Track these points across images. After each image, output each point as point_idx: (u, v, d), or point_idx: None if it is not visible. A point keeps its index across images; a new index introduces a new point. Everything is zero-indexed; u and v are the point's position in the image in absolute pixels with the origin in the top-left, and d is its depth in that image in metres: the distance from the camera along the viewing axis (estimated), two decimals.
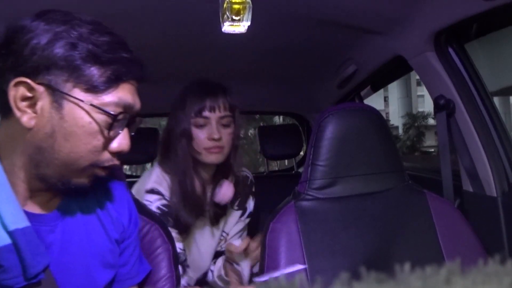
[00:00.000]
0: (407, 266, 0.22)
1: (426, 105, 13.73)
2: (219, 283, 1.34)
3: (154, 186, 1.25)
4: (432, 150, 11.81)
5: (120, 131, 0.70)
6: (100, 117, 0.66)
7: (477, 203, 1.24)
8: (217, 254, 1.40)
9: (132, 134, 0.74)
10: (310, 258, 1.02)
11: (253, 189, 1.46)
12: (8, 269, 0.63)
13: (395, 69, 1.62)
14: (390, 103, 18.37)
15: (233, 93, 1.29)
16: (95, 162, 0.69)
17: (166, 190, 1.26)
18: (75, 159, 0.67)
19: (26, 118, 0.64)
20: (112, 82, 0.67)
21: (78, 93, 0.65)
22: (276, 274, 0.97)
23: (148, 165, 2.39)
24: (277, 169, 4.61)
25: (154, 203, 1.23)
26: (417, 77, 1.54)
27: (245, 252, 1.26)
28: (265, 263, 1.03)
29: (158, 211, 1.22)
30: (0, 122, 0.69)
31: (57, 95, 0.64)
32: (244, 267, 1.27)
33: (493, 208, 1.17)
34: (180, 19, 1.28)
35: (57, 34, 0.64)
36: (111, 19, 0.79)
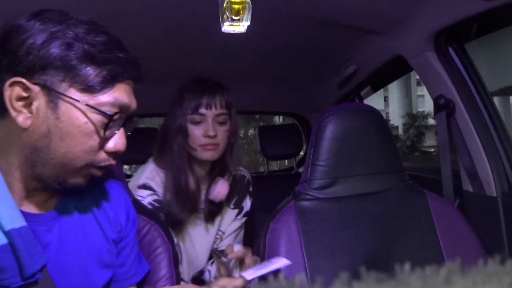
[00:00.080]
0: (407, 266, 0.22)
1: (426, 105, 13.73)
2: None
3: (146, 181, 1.28)
4: (432, 150, 11.81)
5: (116, 131, 0.70)
6: (96, 117, 0.66)
7: (477, 203, 1.24)
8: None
9: (129, 134, 0.74)
10: (310, 258, 1.02)
11: (251, 189, 1.46)
12: (4, 269, 0.64)
13: (395, 69, 1.62)
14: (390, 103, 18.38)
15: (231, 92, 1.30)
16: (91, 162, 0.69)
17: (159, 186, 1.28)
18: (71, 159, 0.67)
19: (22, 118, 0.64)
20: (108, 82, 0.67)
21: (74, 93, 0.65)
22: (261, 267, 0.97)
23: None
24: (277, 169, 4.61)
25: (146, 198, 1.25)
26: (417, 77, 1.54)
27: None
28: None
29: (149, 206, 1.24)
30: None
31: (53, 95, 0.64)
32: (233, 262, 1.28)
33: (493, 208, 1.17)
34: (180, 19, 1.29)
35: (52, 34, 0.64)
36: (111, 19, 0.80)
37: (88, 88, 0.65)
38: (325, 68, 1.86)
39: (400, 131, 13.51)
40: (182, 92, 1.28)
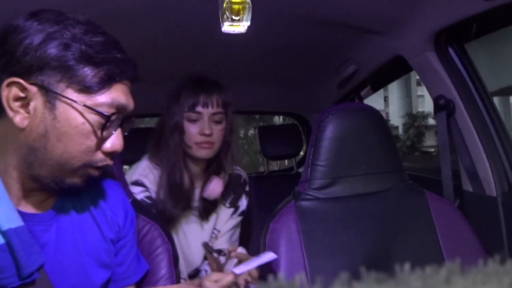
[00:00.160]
0: (407, 266, 0.22)
1: (426, 105, 13.73)
2: None
3: (138, 178, 1.29)
4: (432, 150, 11.81)
5: (113, 132, 0.70)
6: (93, 118, 0.66)
7: (477, 203, 1.24)
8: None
9: (126, 134, 0.73)
10: (310, 258, 1.02)
11: (247, 188, 1.47)
12: (2, 268, 0.64)
13: (395, 69, 1.62)
14: (390, 103, 18.38)
15: (229, 91, 1.31)
16: (88, 162, 0.69)
17: (151, 183, 1.29)
18: (68, 159, 0.67)
19: (19, 118, 0.64)
20: (105, 83, 0.67)
21: (71, 93, 0.65)
22: (250, 263, 0.98)
23: None
24: (277, 169, 4.60)
25: (138, 194, 1.26)
26: (417, 77, 1.54)
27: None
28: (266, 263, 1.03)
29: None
30: None
31: (50, 96, 0.64)
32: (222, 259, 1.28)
33: (493, 208, 1.17)
34: (180, 19, 1.29)
35: (50, 34, 0.64)
36: (110, 19, 0.80)
37: (86, 89, 0.65)
38: (325, 68, 1.86)
39: (400, 131, 13.51)
40: (180, 89, 1.29)
